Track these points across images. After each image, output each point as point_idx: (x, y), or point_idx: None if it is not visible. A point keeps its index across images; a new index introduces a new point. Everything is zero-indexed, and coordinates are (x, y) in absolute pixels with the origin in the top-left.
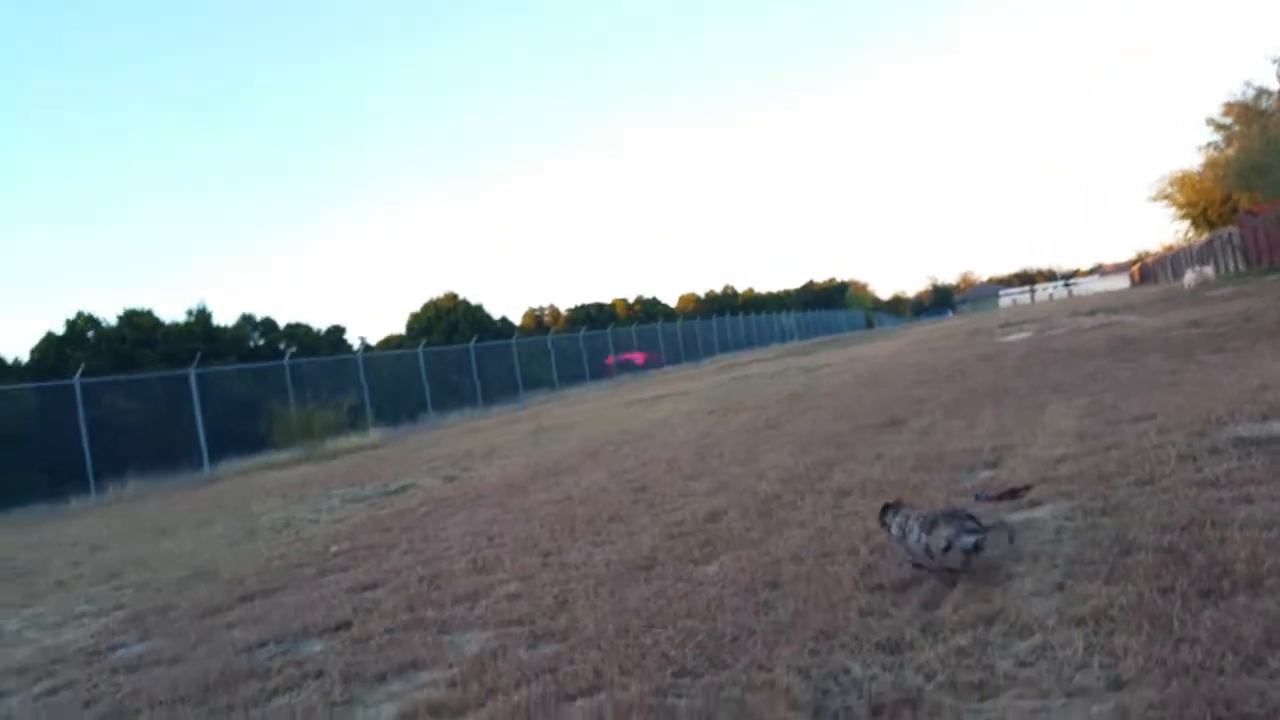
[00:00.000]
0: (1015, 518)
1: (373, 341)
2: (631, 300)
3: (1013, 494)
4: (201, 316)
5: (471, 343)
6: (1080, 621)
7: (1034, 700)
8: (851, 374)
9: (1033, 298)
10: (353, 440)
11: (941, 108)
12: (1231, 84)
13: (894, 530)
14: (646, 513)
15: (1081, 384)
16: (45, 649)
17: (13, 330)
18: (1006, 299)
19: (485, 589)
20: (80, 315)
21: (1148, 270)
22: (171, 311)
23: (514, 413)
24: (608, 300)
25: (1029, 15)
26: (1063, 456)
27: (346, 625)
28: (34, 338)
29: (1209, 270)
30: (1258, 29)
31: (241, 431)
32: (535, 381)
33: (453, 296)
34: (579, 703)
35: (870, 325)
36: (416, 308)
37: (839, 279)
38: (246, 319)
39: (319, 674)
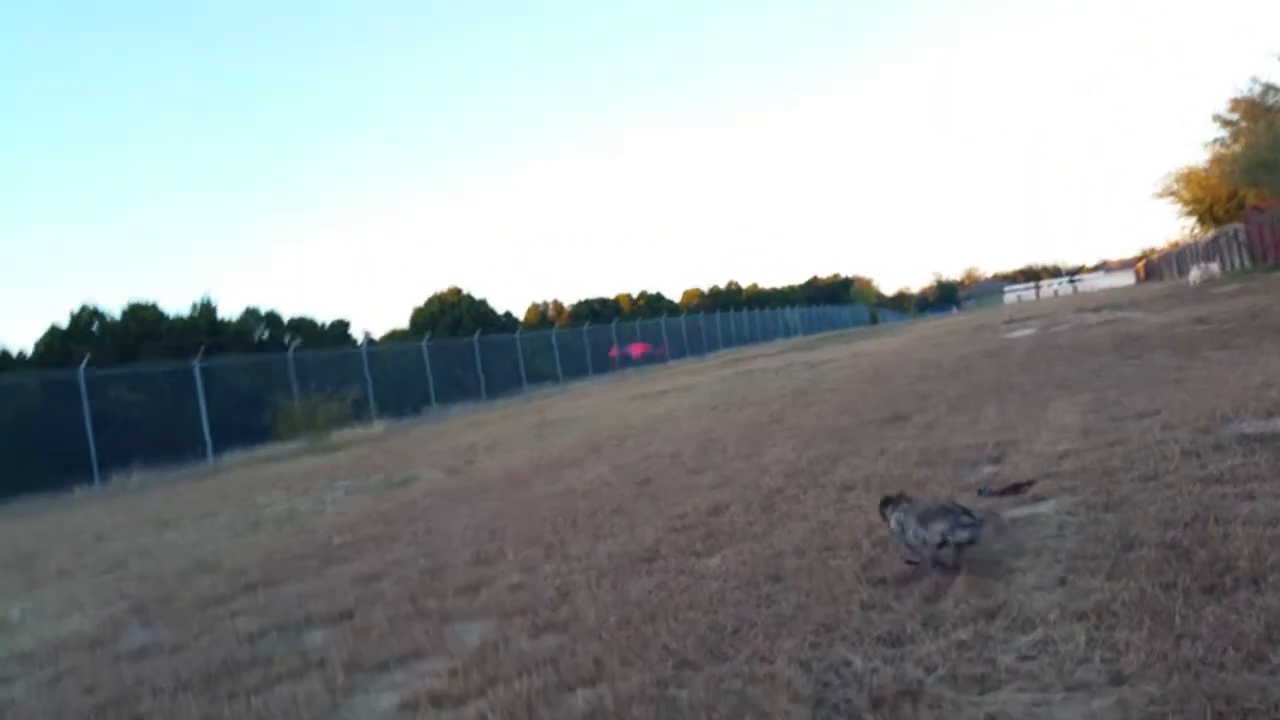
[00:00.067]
0: (1018, 513)
1: (377, 336)
2: (635, 295)
3: (1016, 489)
4: (206, 310)
5: (475, 336)
6: (1082, 616)
7: (1035, 694)
8: (855, 369)
9: (1037, 294)
10: (356, 433)
11: (942, 108)
12: (1231, 83)
13: (893, 524)
14: (649, 506)
15: (1086, 380)
16: (48, 637)
17: (18, 324)
18: (1011, 295)
19: (487, 580)
20: (85, 308)
21: (1153, 267)
22: (176, 305)
23: (517, 406)
24: (612, 295)
25: (1029, 15)
26: (1066, 452)
27: (349, 615)
28: (39, 331)
29: (1214, 267)
30: (1262, 25)
31: (246, 423)
32: (539, 375)
33: (457, 291)
34: (580, 693)
35: (874, 321)
36: (421, 302)
37: (843, 275)
38: (251, 312)
39: (321, 663)
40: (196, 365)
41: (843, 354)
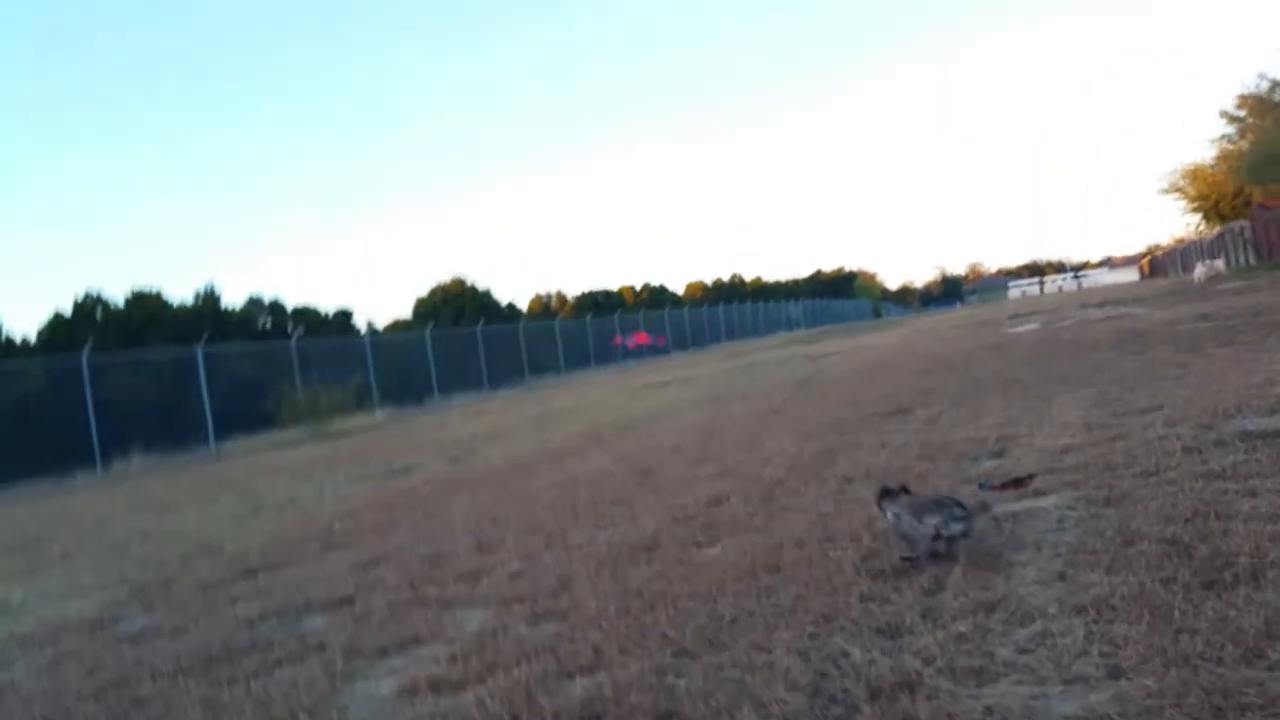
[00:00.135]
0: (1019, 507)
1: (380, 325)
2: (639, 287)
3: (1017, 483)
4: (209, 298)
5: (478, 326)
6: (1081, 610)
7: (1032, 687)
8: (858, 362)
9: (1042, 289)
10: (358, 421)
11: (943, 108)
12: (1232, 82)
13: (889, 516)
14: (650, 496)
15: (1089, 375)
16: (49, 619)
17: (22, 310)
18: (1015, 290)
19: (487, 568)
20: (88, 296)
21: (1157, 263)
22: (180, 293)
23: (519, 396)
24: (615, 287)
25: (1029, 15)
26: (1068, 447)
27: (349, 600)
28: (43, 318)
29: (1219, 264)
30: (1269, 23)
31: (248, 411)
32: (541, 366)
33: (460, 282)
34: (579, 680)
35: (878, 315)
36: (424, 292)
37: (847, 268)
38: (254, 301)
39: (321, 647)
40: (199, 352)
41: (845, 347)
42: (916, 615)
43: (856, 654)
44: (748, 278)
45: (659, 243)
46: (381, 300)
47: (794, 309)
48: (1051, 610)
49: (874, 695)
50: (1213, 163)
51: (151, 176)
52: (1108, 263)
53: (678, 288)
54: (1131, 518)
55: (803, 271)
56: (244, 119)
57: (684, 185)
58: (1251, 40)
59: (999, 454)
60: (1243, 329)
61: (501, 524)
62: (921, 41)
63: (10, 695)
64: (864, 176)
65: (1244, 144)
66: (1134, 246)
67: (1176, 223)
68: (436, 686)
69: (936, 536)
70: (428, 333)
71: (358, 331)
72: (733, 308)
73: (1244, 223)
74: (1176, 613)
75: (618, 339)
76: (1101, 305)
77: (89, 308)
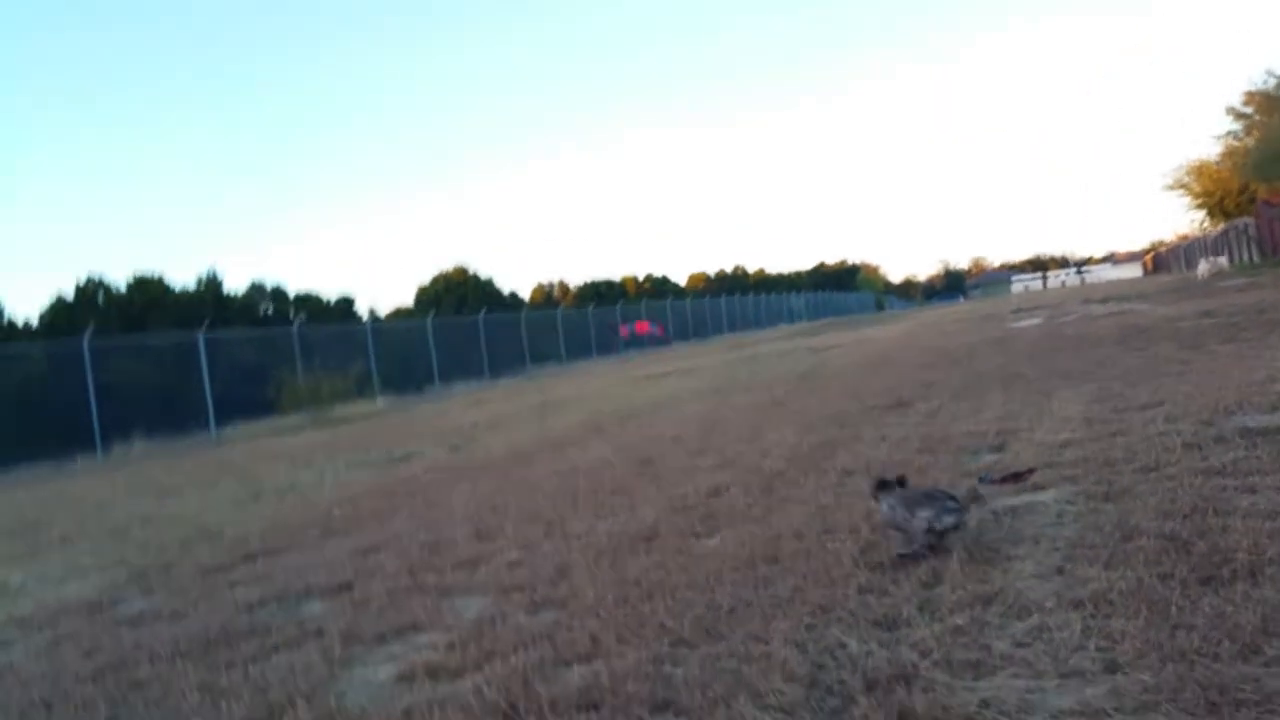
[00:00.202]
0: (1018, 501)
1: (382, 313)
2: (641, 278)
3: (1016, 477)
4: (212, 284)
5: (480, 315)
6: (1078, 604)
7: (1029, 680)
8: (860, 355)
9: (1045, 284)
10: (360, 408)
11: (943, 108)
12: (1232, 81)
13: (884, 508)
14: (650, 486)
15: (1090, 371)
16: (48, 602)
17: (24, 294)
18: (1019, 285)
19: (486, 556)
20: (90, 279)
21: (1161, 260)
22: (182, 278)
23: (521, 386)
24: (618, 277)
25: (1029, 15)
26: (1068, 442)
27: (348, 587)
28: (45, 301)
29: (1223, 261)
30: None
31: (249, 396)
32: (542, 355)
33: (462, 270)
34: (576, 669)
35: (880, 308)
36: (426, 280)
37: (850, 261)
38: (256, 287)
39: (319, 633)
40: (201, 337)
41: (847, 340)
42: (914, 608)
43: (853, 645)
44: (750, 269)
45: (662, 234)
46: (384, 288)
47: (796, 301)
48: (1049, 604)
49: (870, 687)
50: (1218, 159)
51: (155, 163)
52: (1111, 258)
53: (680, 279)
54: (1130, 513)
55: (806, 264)
56: (248, 106)
57: (688, 177)
58: (1252, 39)
59: (999, 448)
60: (1245, 326)
61: (501, 512)
62: (921, 41)
63: (9, 677)
64: (867, 170)
65: (1250, 141)
66: (1138, 242)
67: (1181, 219)
68: (434, 673)
69: (929, 530)
70: (429, 321)
71: (359, 318)
72: (735, 299)
73: (1248, 220)
74: (1174, 608)
75: (624, 330)
76: (1104, 301)
77: (91, 292)
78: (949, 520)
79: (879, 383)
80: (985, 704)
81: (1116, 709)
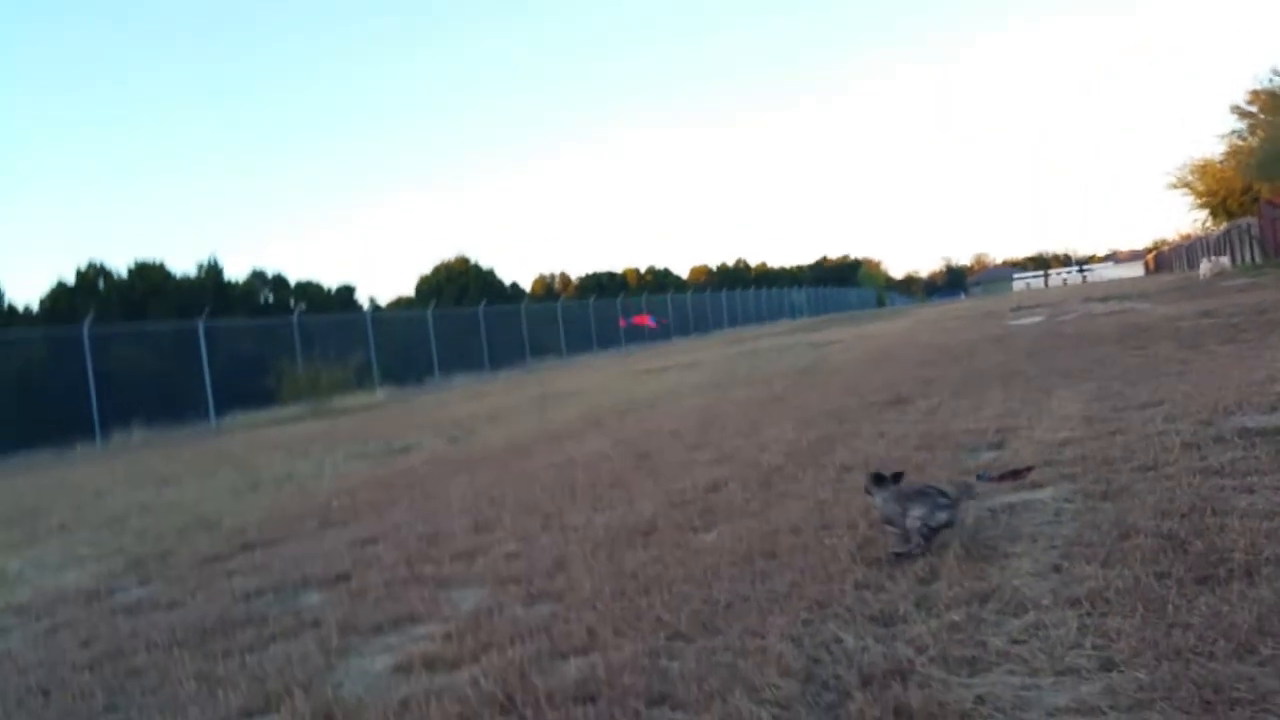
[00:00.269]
0: (1016, 498)
1: (382, 303)
2: (643, 270)
3: (1015, 475)
4: (212, 271)
5: (480, 306)
6: (1075, 602)
7: (1024, 677)
8: (860, 351)
9: (1046, 282)
10: (359, 399)
11: (943, 108)
12: (1232, 81)
13: (878, 502)
14: (648, 480)
15: (1090, 369)
16: (46, 590)
17: (24, 278)
18: (1020, 283)
19: (484, 548)
20: (91, 265)
21: (1163, 259)
22: (183, 265)
23: (520, 378)
24: (619, 269)
25: (1029, 15)
26: (1067, 440)
27: (345, 577)
28: (46, 286)
29: (1225, 261)
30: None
31: (249, 386)
32: (543, 348)
33: (464, 260)
34: (572, 661)
35: (881, 304)
36: (427, 270)
37: (852, 256)
38: (257, 275)
39: (316, 623)
40: (200, 325)
41: (848, 336)
42: (910, 604)
43: (850, 641)
44: (752, 263)
45: (664, 227)
46: (384, 277)
47: (798, 296)
48: (1045, 602)
49: (866, 682)
50: (1222, 158)
51: (157, 152)
52: (1113, 257)
53: (682, 272)
54: (1128, 512)
55: (807, 258)
56: (252, 97)
57: (691, 171)
58: (1252, 39)
59: (998, 445)
60: (1246, 326)
61: (499, 504)
62: (921, 41)
63: (6, 664)
64: (868, 167)
65: (1254, 140)
66: (1139, 241)
67: (1183, 219)
68: (431, 664)
69: (922, 527)
70: (429, 312)
71: (360, 308)
72: (736, 294)
73: (1251, 220)
74: (1170, 607)
75: (622, 322)
76: (1105, 300)
77: (92, 277)
78: (942, 517)
79: (879, 379)
80: (981, 700)
81: (1112, 707)
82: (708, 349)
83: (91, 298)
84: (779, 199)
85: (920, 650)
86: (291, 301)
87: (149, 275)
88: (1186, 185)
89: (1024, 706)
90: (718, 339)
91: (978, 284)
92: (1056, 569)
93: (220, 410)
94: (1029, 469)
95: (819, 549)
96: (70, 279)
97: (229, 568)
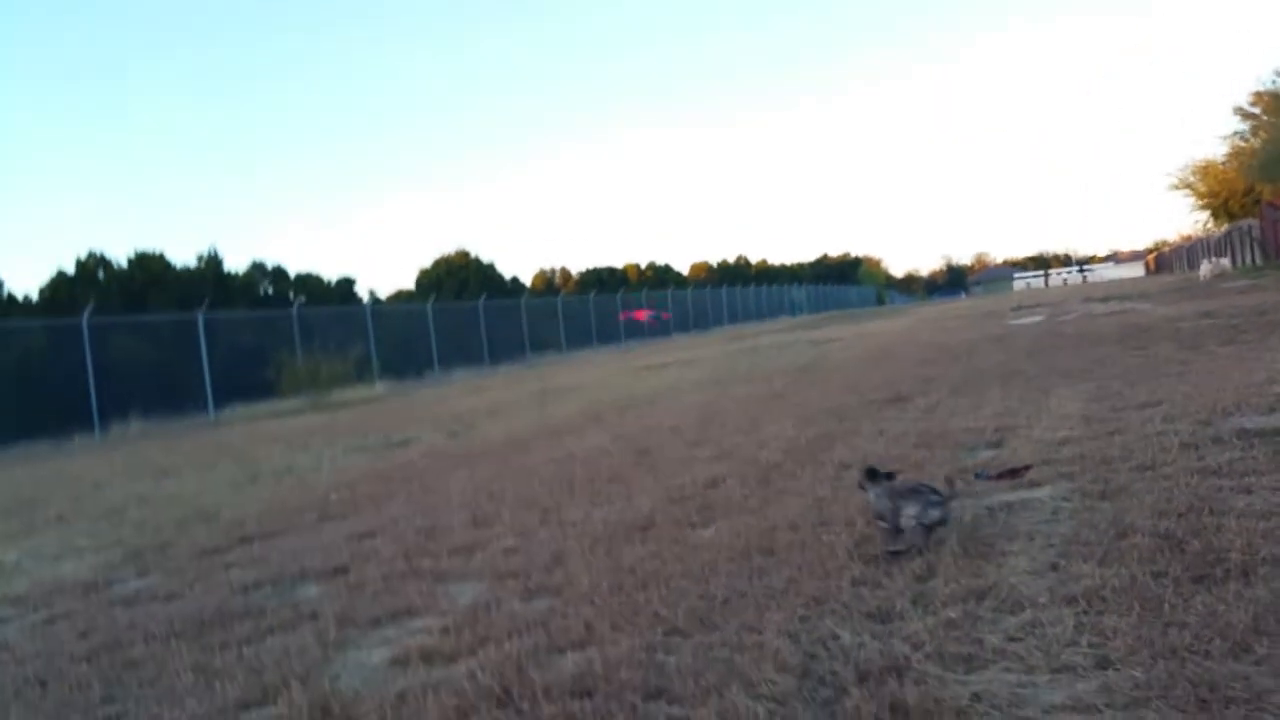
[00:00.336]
0: (1014, 497)
1: (382, 296)
2: (644, 266)
3: (1013, 473)
4: (212, 262)
5: (480, 300)
6: (1072, 600)
7: (1020, 674)
8: (860, 349)
9: (1047, 282)
10: (358, 392)
11: (943, 108)
12: (1232, 81)
13: (872, 498)
14: (647, 476)
15: (1090, 369)
16: (43, 581)
17: (24, 268)
18: (1020, 282)
19: (482, 542)
20: (91, 255)
21: (1164, 259)
22: (183, 256)
23: (520, 373)
24: (619, 265)
25: (1029, 15)
26: (1066, 439)
27: (343, 570)
28: (45, 276)
29: (1226, 262)
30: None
31: (248, 378)
32: (542, 343)
33: (464, 254)
34: (569, 655)
35: (882, 302)
36: (428, 264)
37: (853, 254)
38: (257, 266)
39: (314, 616)
40: (200, 317)
41: (848, 334)
42: (907, 601)
43: (846, 637)
44: (753, 260)
45: (665, 224)
46: (385, 270)
47: (798, 293)
48: (1042, 600)
49: (862, 678)
50: (1224, 160)
51: (158, 143)
52: (1114, 257)
53: (682, 268)
54: (1125, 511)
55: (808, 256)
56: (253, 90)
57: (691, 169)
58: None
59: (997, 444)
60: (1245, 328)
61: (498, 499)
62: (921, 41)
63: (4, 655)
64: (870, 165)
65: (1257, 141)
66: (1140, 242)
67: (1184, 220)
68: (428, 657)
69: (916, 526)
70: (429, 305)
71: (359, 300)
72: (736, 290)
73: (1252, 221)
74: (1166, 606)
75: (623, 316)
76: (1105, 300)
77: (92, 267)
78: (934, 515)
79: (878, 377)
80: (977, 697)
81: (1108, 705)
82: (708, 345)
83: (91, 288)
84: (780, 197)
85: (917, 647)
86: (291, 294)
87: (149, 266)
88: (1188, 186)
89: (1020, 704)
90: (718, 336)
91: (978, 283)
92: (1054, 567)
93: (219, 402)
94: (1027, 468)
95: (817, 546)
96: (70, 269)
97: (227, 560)
